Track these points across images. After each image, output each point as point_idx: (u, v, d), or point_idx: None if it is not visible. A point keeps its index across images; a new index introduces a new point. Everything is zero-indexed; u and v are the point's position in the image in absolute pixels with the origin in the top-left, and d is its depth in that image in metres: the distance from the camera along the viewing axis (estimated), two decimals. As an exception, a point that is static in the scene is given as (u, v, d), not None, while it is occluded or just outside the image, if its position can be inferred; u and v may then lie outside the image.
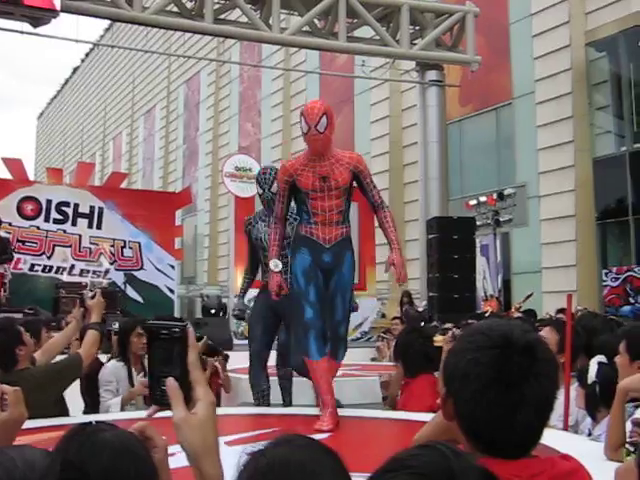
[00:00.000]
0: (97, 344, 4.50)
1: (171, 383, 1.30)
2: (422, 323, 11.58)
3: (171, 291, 17.37)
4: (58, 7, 16.63)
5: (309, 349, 4.55)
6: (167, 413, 1.35)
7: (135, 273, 16.76)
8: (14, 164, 16.26)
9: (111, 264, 16.66)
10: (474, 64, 20.24)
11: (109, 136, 57.19)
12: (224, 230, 31.95)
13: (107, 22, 33.45)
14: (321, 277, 4.71)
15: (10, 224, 15.69)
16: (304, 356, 4.59)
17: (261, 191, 5.49)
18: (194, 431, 1.30)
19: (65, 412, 4.52)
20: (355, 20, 19.68)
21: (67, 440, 1.40)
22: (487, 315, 11.80)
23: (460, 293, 15.34)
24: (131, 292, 16.02)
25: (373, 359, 12.15)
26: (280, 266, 4.71)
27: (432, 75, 21.00)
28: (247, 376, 5.58)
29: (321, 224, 4.68)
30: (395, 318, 12.95)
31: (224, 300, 17.55)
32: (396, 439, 3.73)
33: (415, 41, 20.23)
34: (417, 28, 20.41)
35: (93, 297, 4.52)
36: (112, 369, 5.17)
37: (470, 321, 9.29)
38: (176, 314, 15.71)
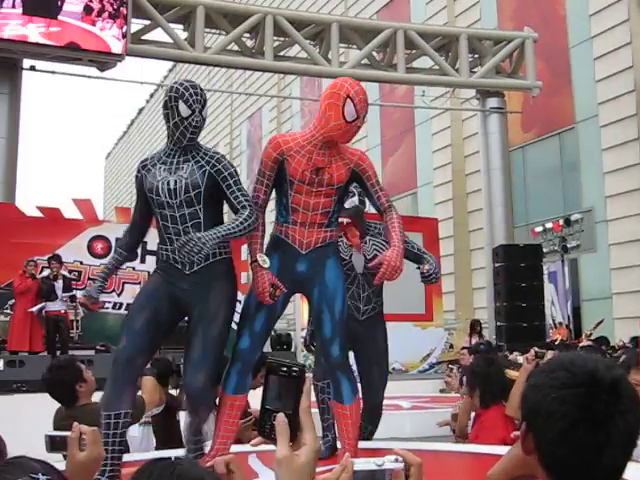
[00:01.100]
0: (156, 388, 4.54)
1: (281, 419, 1.33)
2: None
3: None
4: (120, 51, 17.13)
5: (227, 381, 3.82)
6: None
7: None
8: (84, 204, 16.65)
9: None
10: (535, 89, 20.11)
11: (174, 174, 58.20)
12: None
13: (171, 63, 34.21)
14: (290, 291, 3.91)
15: (81, 263, 16.07)
16: (220, 385, 3.88)
17: (188, 112, 3.70)
18: (293, 472, 1.32)
19: (126, 449, 4.52)
20: (414, 51, 19.76)
21: (143, 474, 1.43)
22: (556, 343, 11.59)
23: (528, 322, 15.11)
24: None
25: (442, 390, 12.03)
26: (268, 262, 3.78)
27: (493, 102, 20.93)
28: None
29: (300, 225, 3.85)
30: (464, 348, 12.81)
31: (290, 333, 17.57)
32: (469, 473, 3.69)
33: (474, 69, 20.20)
34: (476, 56, 20.39)
35: None
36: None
37: (539, 350, 9.14)
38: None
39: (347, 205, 4.35)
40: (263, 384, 1.39)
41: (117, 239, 4.61)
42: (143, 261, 16.27)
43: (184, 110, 3.66)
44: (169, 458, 1.48)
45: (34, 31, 16.43)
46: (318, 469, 1.35)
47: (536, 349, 4.85)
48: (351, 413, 3.84)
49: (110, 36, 17.12)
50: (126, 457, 4.03)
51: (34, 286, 12.90)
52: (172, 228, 3.70)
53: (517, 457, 2.01)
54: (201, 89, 3.75)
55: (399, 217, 3.88)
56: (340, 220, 4.16)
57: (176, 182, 3.67)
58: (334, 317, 3.81)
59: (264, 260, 3.79)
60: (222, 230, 3.57)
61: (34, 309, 12.68)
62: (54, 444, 2.00)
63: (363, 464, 1.45)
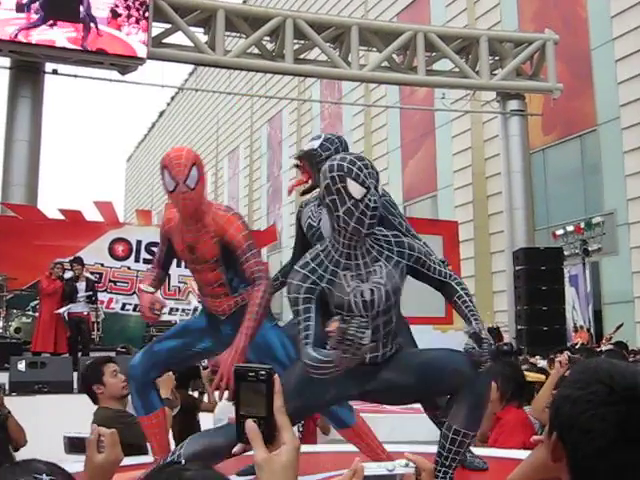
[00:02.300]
0: (169, 420, 4.51)
1: (249, 424, 1.33)
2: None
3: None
4: (145, 55, 17.25)
5: (134, 403, 3.75)
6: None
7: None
8: (105, 207, 16.78)
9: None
10: (556, 92, 20.03)
11: (195, 176, 58.47)
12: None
13: (191, 66, 34.38)
14: (198, 341, 3.79)
15: (102, 265, 16.18)
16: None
17: (363, 192, 2.88)
18: (276, 472, 1.32)
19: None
20: (434, 53, 19.74)
21: (154, 476, 1.43)
22: (577, 347, 11.53)
23: (549, 325, 15.04)
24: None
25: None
26: (151, 289, 3.71)
27: (514, 105, 20.88)
28: None
29: (210, 296, 3.75)
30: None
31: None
32: (489, 477, 3.68)
33: (495, 71, 20.16)
34: (496, 58, 20.35)
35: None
36: (224, 408, 5.29)
37: (572, 355, 9.10)
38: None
39: (305, 147, 3.95)
40: (235, 392, 1.39)
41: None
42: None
43: (357, 190, 2.88)
44: (177, 462, 1.48)
45: (61, 36, 16.58)
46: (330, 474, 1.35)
47: (569, 354, 4.78)
48: (359, 428, 3.72)
49: (136, 41, 17.24)
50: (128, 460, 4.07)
51: (61, 288, 13.01)
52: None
53: (538, 462, 2.00)
54: (369, 161, 3.01)
55: (265, 291, 3.49)
56: (294, 162, 3.96)
57: (373, 292, 2.99)
58: (281, 364, 3.65)
59: (146, 288, 3.72)
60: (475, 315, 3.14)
61: (61, 310, 12.77)
62: (72, 445, 2.01)
63: (374, 469, 1.45)
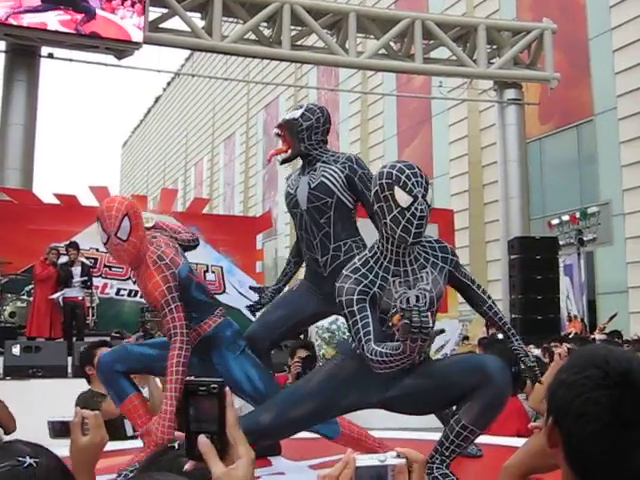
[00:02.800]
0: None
1: (202, 440, 1.31)
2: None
3: (253, 314, 17.54)
4: (141, 39, 17.17)
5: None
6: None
7: (218, 297, 17.00)
8: (100, 192, 16.70)
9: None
10: (553, 81, 20.00)
11: (190, 162, 58.36)
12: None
13: (188, 51, 34.25)
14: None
15: (97, 250, 16.15)
16: None
17: (410, 201, 2.88)
18: None
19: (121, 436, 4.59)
20: (431, 41, 19.68)
21: (149, 466, 1.43)
22: (571, 337, 11.56)
23: (543, 314, 15.08)
24: (215, 316, 16.27)
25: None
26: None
27: (510, 94, 20.85)
28: None
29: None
30: (483, 339, 12.77)
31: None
32: (483, 464, 3.69)
33: (492, 60, 20.11)
34: (494, 47, 20.30)
35: None
36: None
37: (553, 344, 9.12)
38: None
39: (286, 117, 3.94)
40: (184, 406, 1.37)
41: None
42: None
43: (404, 198, 2.86)
44: (172, 448, 1.48)
45: (53, 19, 16.47)
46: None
47: (568, 346, 4.77)
48: (348, 434, 3.65)
49: (131, 25, 17.14)
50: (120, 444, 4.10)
51: (55, 274, 13.00)
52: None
53: (535, 449, 2.01)
54: (419, 169, 2.95)
55: (180, 352, 3.44)
56: (275, 131, 3.95)
57: (419, 299, 2.99)
58: (250, 398, 3.71)
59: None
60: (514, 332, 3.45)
61: (55, 296, 12.76)
62: (55, 430, 2.00)
63: (366, 460, 1.45)
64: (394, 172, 2.87)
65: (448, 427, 2.97)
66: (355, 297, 2.85)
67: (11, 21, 16.21)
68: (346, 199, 3.69)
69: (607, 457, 1.31)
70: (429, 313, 2.51)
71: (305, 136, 3.83)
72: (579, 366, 1.37)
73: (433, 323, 3.00)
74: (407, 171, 2.87)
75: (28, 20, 16.31)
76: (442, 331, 2.76)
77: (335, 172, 3.71)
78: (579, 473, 1.34)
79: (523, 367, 3.11)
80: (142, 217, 3.63)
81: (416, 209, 2.84)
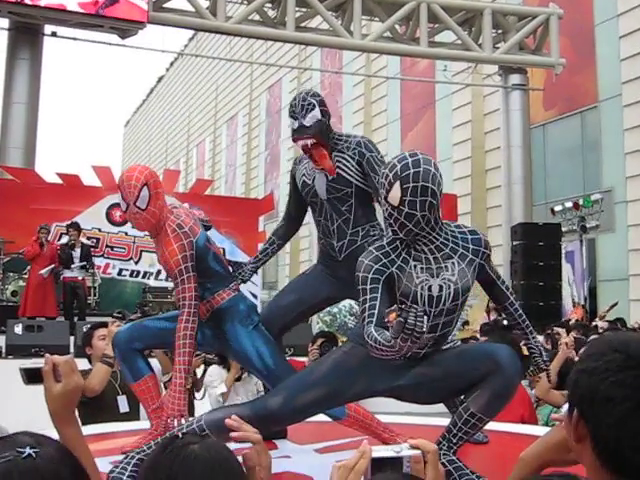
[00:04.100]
0: (105, 381, 4.54)
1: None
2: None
3: (254, 296, 17.54)
4: (145, 19, 17.08)
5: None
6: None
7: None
8: (103, 171, 16.72)
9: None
10: (558, 67, 19.92)
11: (193, 143, 58.26)
12: (305, 236, 32.13)
13: (191, 32, 34.12)
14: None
15: (99, 230, 16.17)
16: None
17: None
18: None
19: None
20: (436, 25, 19.58)
21: (157, 457, 1.43)
22: (572, 324, 11.58)
23: (545, 301, 15.10)
24: (216, 298, 16.27)
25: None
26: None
27: (515, 79, 20.78)
28: None
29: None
30: (485, 324, 12.78)
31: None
32: (487, 450, 3.70)
33: (498, 45, 20.02)
34: (499, 31, 20.20)
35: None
36: (215, 372, 5.52)
37: (555, 329, 9.14)
38: (259, 319, 15.87)
39: (307, 122, 3.69)
40: None
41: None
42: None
43: (396, 196, 2.88)
44: (178, 436, 1.48)
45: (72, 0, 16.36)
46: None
47: (574, 335, 4.76)
48: (355, 415, 3.67)
49: (136, 2, 17.02)
50: (117, 426, 4.12)
51: (49, 252, 13.00)
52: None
53: (554, 441, 2.00)
54: (434, 163, 2.98)
55: (187, 324, 3.46)
56: (303, 143, 3.71)
57: (442, 288, 2.96)
58: (259, 373, 3.73)
59: None
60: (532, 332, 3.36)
61: (43, 271, 12.79)
62: (30, 376, 1.97)
63: (381, 451, 1.46)
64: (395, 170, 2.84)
65: (456, 414, 2.97)
66: (370, 276, 2.84)
67: (27, 1, 16.13)
68: (364, 185, 3.65)
69: (638, 439, 1.28)
70: (425, 318, 2.46)
71: (327, 130, 3.76)
72: (598, 353, 1.36)
73: (458, 316, 3.04)
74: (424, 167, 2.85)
75: (46, 1, 16.21)
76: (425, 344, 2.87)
77: (348, 161, 3.66)
78: (610, 463, 1.31)
79: (534, 367, 3.09)
80: (162, 186, 3.68)
81: (404, 207, 2.81)
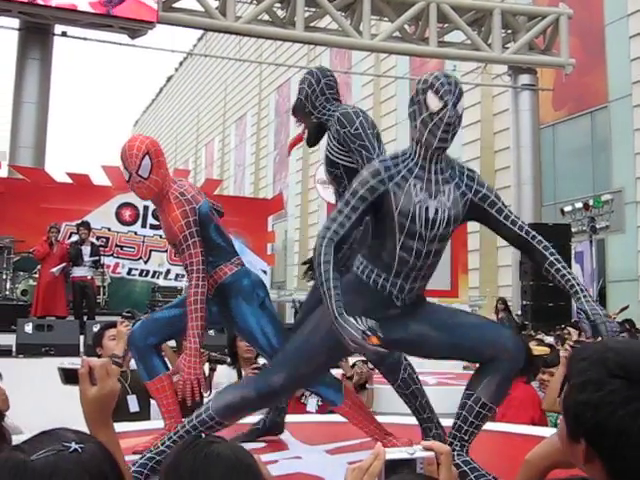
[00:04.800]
0: (174, 355, 4.55)
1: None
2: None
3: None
4: (155, 19, 17.12)
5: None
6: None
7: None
8: (113, 171, 16.75)
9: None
10: (568, 67, 19.89)
11: (201, 143, 58.30)
12: (314, 236, 32.18)
13: (200, 32, 34.15)
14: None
15: (109, 229, 16.21)
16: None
17: (439, 105, 2.91)
18: None
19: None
20: (446, 25, 19.56)
21: (179, 453, 1.44)
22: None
23: (555, 301, 15.05)
24: (225, 297, 16.30)
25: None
26: None
27: (525, 79, 20.76)
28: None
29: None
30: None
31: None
32: (497, 451, 3.69)
33: (507, 45, 20.00)
34: (509, 31, 20.18)
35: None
36: (224, 373, 5.41)
37: (567, 329, 9.14)
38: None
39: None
40: None
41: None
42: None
43: (434, 103, 2.91)
44: (200, 436, 1.49)
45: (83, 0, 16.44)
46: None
47: (571, 343, 4.72)
48: (351, 405, 3.68)
49: (146, 2, 17.06)
50: (127, 426, 4.13)
51: (59, 252, 13.02)
52: (413, 263, 2.98)
53: (557, 445, 2.00)
54: (455, 80, 2.97)
55: (197, 289, 3.46)
56: (296, 123, 3.86)
57: (437, 211, 2.96)
58: (264, 352, 3.69)
59: None
60: (583, 289, 3.06)
61: (54, 269, 12.81)
62: (67, 377, 1.97)
63: (395, 453, 1.47)
64: (430, 78, 2.91)
65: (466, 409, 2.93)
66: (361, 191, 2.89)
67: (39, 1, 16.20)
68: (351, 163, 3.60)
69: None
70: (383, 351, 2.61)
71: (310, 107, 3.79)
72: (597, 382, 1.30)
73: (442, 251, 3.04)
74: (442, 79, 2.90)
75: (57, 1, 16.27)
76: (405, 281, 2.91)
77: (331, 140, 3.65)
78: None
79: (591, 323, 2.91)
80: (164, 155, 3.70)
81: (445, 115, 2.86)
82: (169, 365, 3.92)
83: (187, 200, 3.57)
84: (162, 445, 3.17)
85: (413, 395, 3.52)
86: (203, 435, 1.52)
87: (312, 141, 3.89)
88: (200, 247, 3.53)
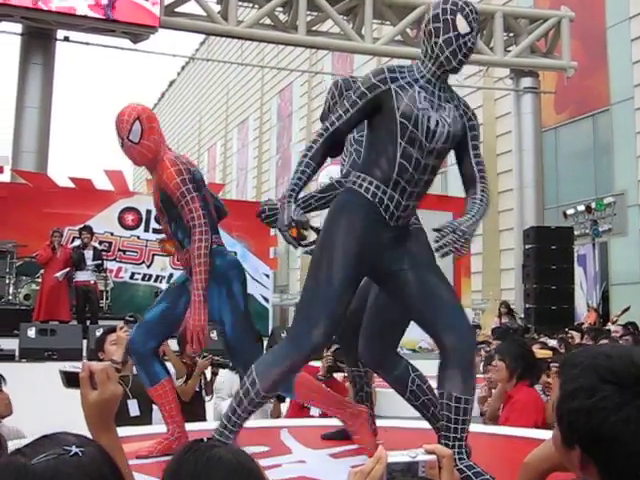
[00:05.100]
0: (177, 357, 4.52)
1: None
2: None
3: (266, 300, 17.59)
4: (157, 24, 17.15)
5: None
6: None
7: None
8: (115, 176, 16.77)
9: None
10: (570, 70, 19.90)
11: (204, 147, 58.35)
12: (316, 239, 32.10)
13: (202, 36, 34.19)
14: (178, 298, 3.82)
15: (112, 234, 16.21)
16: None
17: (467, 29, 2.99)
18: None
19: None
20: (448, 28, 19.56)
21: (181, 457, 1.44)
22: (585, 328, 11.54)
23: (557, 305, 15.06)
24: (228, 301, 16.27)
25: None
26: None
27: (527, 82, 20.77)
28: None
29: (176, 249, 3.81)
30: (497, 328, 12.80)
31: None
32: (500, 455, 3.69)
33: (509, 48, 20.02)
34: (511, 35, 20.21)
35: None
36: (226, 378, 5.33)
37: (570, 333, 9.13)
38: (270, 323, 15.92)
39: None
40: None
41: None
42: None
43: (463, 26, 2.96)
44: (202, 440, 1.49)
45: (82, 3, 16.48)
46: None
47: (557, 366, 4.69)
48: (305, 394, 3.70)
49: (149, 4, 17.09)
50: (127, 430, 4.12)
51: (62, 256, 13.02)
52: (410, 174, 2.98)
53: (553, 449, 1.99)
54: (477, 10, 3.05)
55: (200, 244, 3.47)
56: None
57: (438, 124, 2.98)
58: (223, 338, 3.68)
59: None
60: (476, 215, 3.15)
61: (58, 274, 12.81)
62: (69, 380, 1.96)
63: (397, 456, 1.47)
64: (460, 2, 2.98)
65: (445, 409, 2.92)
66: (362, 88, 2.95)
67: (40, 5, 16.23)
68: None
69: None
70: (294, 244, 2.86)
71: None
72: (588, 388, 1.30)
73: (437, 170, 3.11)
74: (472, 6, 2.99)
75: (57, 4, 16.32)
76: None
77: None
78: None
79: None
80: (157, 122, 3.76)
81: (469, 40, 2.96)
82: (170, 369, 3.91)
83: (182, 162, 3.61)
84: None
85: (424, 406, 3.48)
86: (205, 439, 1.51)
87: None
88: (199, 202, 3.54)
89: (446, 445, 2.87)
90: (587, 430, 1.29)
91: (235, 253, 17.37)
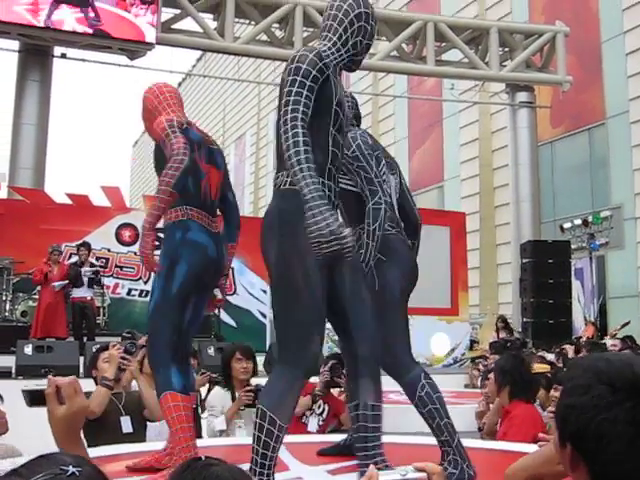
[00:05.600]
0: (104, 404, 4.45)
1: None
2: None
3: (263, 316, 17.53)
4: (154, 40, 17.21)
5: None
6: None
7: (229, 298, 17.00)
8: (112, 192, 16.77)
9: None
10: (565, 84, 19.97)
11: (201, 163, 58.44)
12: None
13: (199, 52, 34.31)
14: None
15: (109, 250, 16.19)
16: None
17: (371, 41, 3.28)
18: None
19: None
20: (443, 44, 19.67)
21: (178, 475, 1.43)
22: (583, 342, 11.52)
23: (555, 318, 15.05)
24: (225, 317, 16.22)
25: (466, 386, 12.01)
26: None
27: (522, 96, 20.83)
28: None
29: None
30: (494, 342, 12.77)
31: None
32: (497, 470, 3.67)
33: (505, 63, 20.10)
34: (506, 50, 20.29)
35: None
36: (217, 395, 5.27)
37: (564, 347, 9.11)
38: (268, 339, 15.88)
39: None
40: None
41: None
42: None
43: (371, 36, 3.12)
44: (200, 458, 1.48)
45: (70, 18, 16.53)
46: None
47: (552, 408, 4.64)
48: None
49: (144, 23, 17.17)
50: (119, 448, 4.09)
51: (59, 273, 12.98)
52: (339, 160, 3.04)
53: (540, 455, 1.99)
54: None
55: (168, 171, 3.39)
56: None
57: (349, 107, 3.15)
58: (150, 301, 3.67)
59: None
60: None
61: (56, 284, 12.76)
62: (32, 399, 1.94)
63: (389, 474, 1.47)
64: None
65: (361, 420, 2.95)
66: (314, 72, 2.84)
67: (29, 19, 16.28)
68: (352, 186, 3.74)
69: (638, 474, 1.26)
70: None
71: None
72: (584, 386, 1.32)
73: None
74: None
75: (45, 19, 16.37)
76: None
77: None
78: None
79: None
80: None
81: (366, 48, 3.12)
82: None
83: (177, 122, 3.63)
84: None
85: (430, 415, 3.39)
86: (203, 457, 1.50)
87: None
88: (183, 141, 3.45)
89: (365, 457, 2.88)
90: (576, 425, 1.30)
91: (232, 268, 17.45)
